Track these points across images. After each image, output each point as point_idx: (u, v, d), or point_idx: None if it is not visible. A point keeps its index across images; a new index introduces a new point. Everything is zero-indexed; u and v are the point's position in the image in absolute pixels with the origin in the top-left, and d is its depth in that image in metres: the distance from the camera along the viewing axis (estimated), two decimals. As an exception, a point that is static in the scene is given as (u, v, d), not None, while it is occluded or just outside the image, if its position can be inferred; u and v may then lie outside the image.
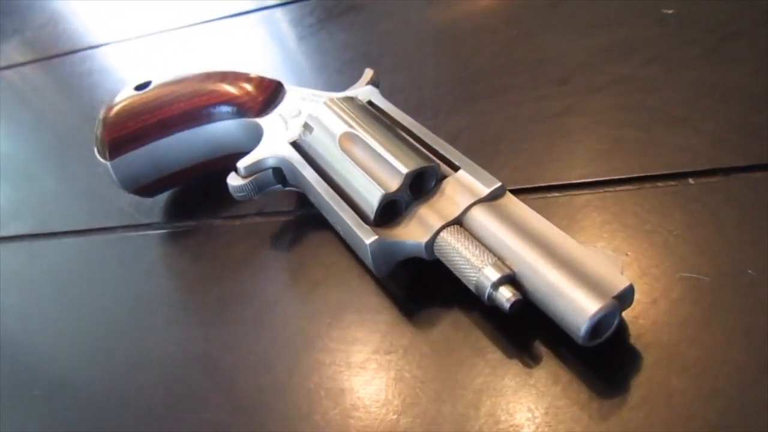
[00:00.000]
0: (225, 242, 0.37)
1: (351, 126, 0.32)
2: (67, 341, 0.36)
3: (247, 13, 0.61)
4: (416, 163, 0.29)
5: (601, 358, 0.25)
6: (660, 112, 0.34)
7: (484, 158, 0.34)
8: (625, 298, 0.24)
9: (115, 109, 0.38)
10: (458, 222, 0.28)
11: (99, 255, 0.41)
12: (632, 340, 0.25)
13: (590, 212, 0.31)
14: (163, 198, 0.42)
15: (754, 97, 0.32)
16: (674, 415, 0.23)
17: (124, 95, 0.39)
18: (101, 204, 0.45)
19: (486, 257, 0.26)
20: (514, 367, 0.26)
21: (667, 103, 0.34)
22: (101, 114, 0.39)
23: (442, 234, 0.27)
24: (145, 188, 0.40)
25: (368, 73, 0.39)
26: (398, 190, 0.28)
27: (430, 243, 0.28)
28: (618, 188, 0.31)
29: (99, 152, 0.38)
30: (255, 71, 0.39)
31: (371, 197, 0.29)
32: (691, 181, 0.30)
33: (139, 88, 0.39)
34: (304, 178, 0.32)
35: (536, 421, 0.24)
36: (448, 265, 0.27)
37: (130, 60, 0.66)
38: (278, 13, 0.58)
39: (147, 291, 0.37)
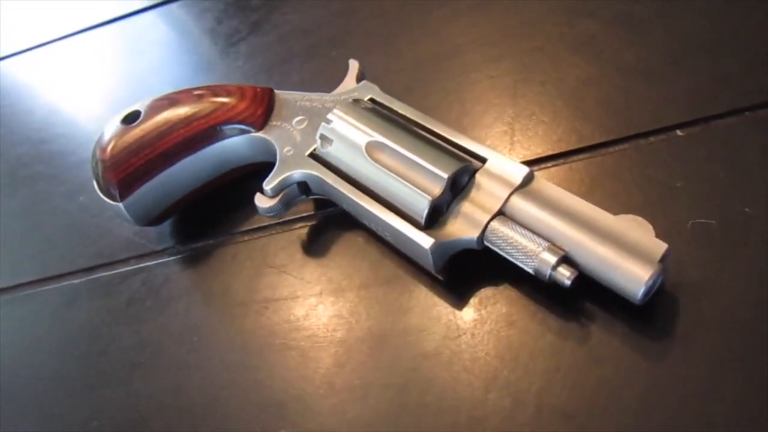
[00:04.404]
0: (258, 257, 0.38)
1: (372, 135, 0.33)
2: (130, 389, 0.36)
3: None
4: (453, 165, 0.31)
5: (646, 307, 0.29)
6: (635, 69, 0.38)
7: (494, 138, 0.37)
8: (665, 258, 0.28)
9: (111, 147, 0.37)
10: (501, 212, 0.31)
11: (124, 290, 0.41)
12: (668, 287, 0.30)
13: (598, 175, 0.35)
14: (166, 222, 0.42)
15: (714, 45, 0.37)
16: (713, 347, 0.28)
17: (115, 131, 0.38)
18: (102, 237, 0.44)
19: (539, 242, 0.29)
20: (574, 328, 0.30)
21: (640, 60, 0.38)
22: (97, 155, 0.38)
23: (491, 227, 0.30)
24: (156, 218, 0.40)
25: (354, 65, 0.40)
26: (442, 193, 0.31)
27: (481, 236, 0.31)
28: (617, 148, 0.35)
29: (105, 194, 0.38)
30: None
31: (418, 204, 0.31)
32: (679, 132, 0.34)
33: (127, 119, 0.38)
34: (338, 190, 0.34)
35: (606, 370, 0.29)
36: (501, 253, 0.31)
37: (39, 74, 0.62)
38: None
39: (197, 318, 0.38)
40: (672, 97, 0.36)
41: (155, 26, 0.59)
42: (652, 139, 0.35)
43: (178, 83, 0.51)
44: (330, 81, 0.41)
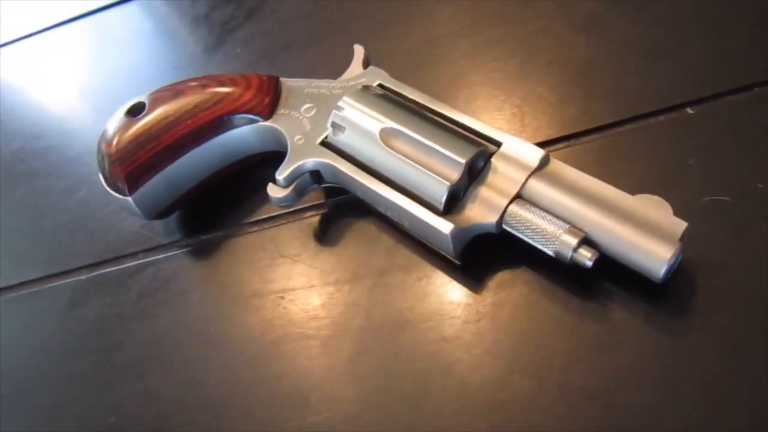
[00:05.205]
0: (271, 247, 0.38)
1: (385, 121, 0.33)
2: (148, 384, 0.36)
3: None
4: (470, 150, 0.31)
5: (664, 284, 0.29)
6: (642, 47, 0.38)
7: (505, 120, 0.37)
8: (684, 236, 0.28)
9: (117, 141, 0.37)
10: (519, 196, 0.31)
11: (133, 285, 0.40)
12: (684, 264, 0.30)
13: (610, 156, 0.35)
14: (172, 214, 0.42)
15: (720, 20, 0.37)
16: (732, 322, 0.28)
17: (120, 124, 0.37)
18: (107, 232, 0.43)
19: (559, 224, 0.29)
20: (593, 308, 0.31)
21: (646, 39, 0.38)
22: (102, 148, 0.37)
23: (510, 210, 0.31)
24: (165, 211, 0.39)
25: (359, 51, 0.40)
26: (460, 179, 0.31)
27: (500, 220, 0.31)
28: (627, 127, 0.35)
29: (113, 188, 0.37)
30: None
31: (436, 189, 0.31)
32: (689, 110, 0.35)
33: (132, 112, 0.38)
34: (353, 178, 0.34)
35: (627, 349, 0.29)
36: (520, 237, 0.31)
37: (27, 66, 0.60)
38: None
39: (211, 311, 0.37)
40: (680, 75, 0.36)
41: (147, 14, 0.58)
42: (662, 117, 0.35)
43: (175, 72, 0.51)
44: (333, 66, 0.40)
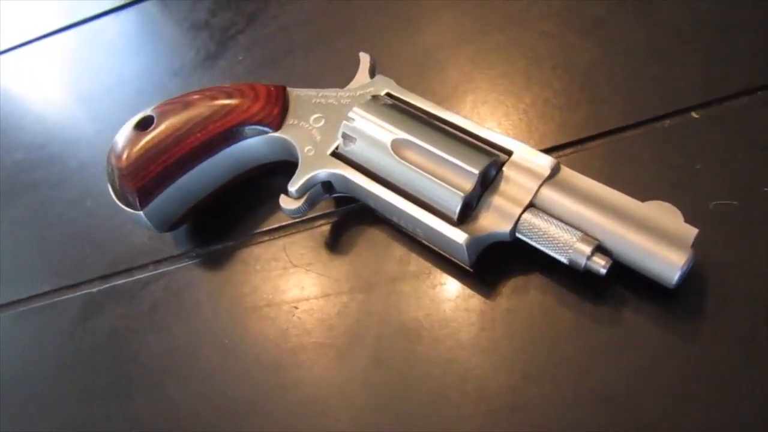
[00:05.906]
0: (283, 257, 0.38)
1: (396, 132, 0.33)
2: (165, 396, 0.37)
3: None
4: (483, 160, 0.31)
5: (675, 288, 0.30)
6: (645, 52, 0.38)
7: (512, 126, 0.37)
8: (695, 242, 0.29)
9: (127, 155, 0.37)
10: (532, 204, 0.31)
11: (146, 296, 0.40)
12: (695, 269, 0.31)
13: (617, 161, 0.35)
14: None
15: (723, 23, 0.37)
16: (743, 324, 0.29)
17: (129, 138, 0.37)
18: (116, 243, 0.43)
19: (572, 233, 0.30)
20: (607, 313, 0.31)
21: (649, 43, 0.38)
22: (112, 162, 0.37)
23: (523, 219, 0.31)
24: (176, 223, 0.39)
25: (365, 59, 0.40)
26: (473, 189, 0.31)
27: (513, 229, 0.31)
28: (633, 132, 0.36)
29: (123, 202, 0.37)
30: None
31: (450, 200, 0.31)
32: (694, 114, 0.35)
33: (141, 125, 0.38)
34: (366, 189, 0.34)
35: (641, 353, 0.30)
36: (534, 245, 0.31)
37: (27, 74, 0.60)
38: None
39: (225, 321, 0.38)
40: (684, 79, 0.36)
41: (144, 20, 0.58)
42: (667, 122, 0.36)
43: (177, 79, 0.51)
44: (337, 72, 0.41)
